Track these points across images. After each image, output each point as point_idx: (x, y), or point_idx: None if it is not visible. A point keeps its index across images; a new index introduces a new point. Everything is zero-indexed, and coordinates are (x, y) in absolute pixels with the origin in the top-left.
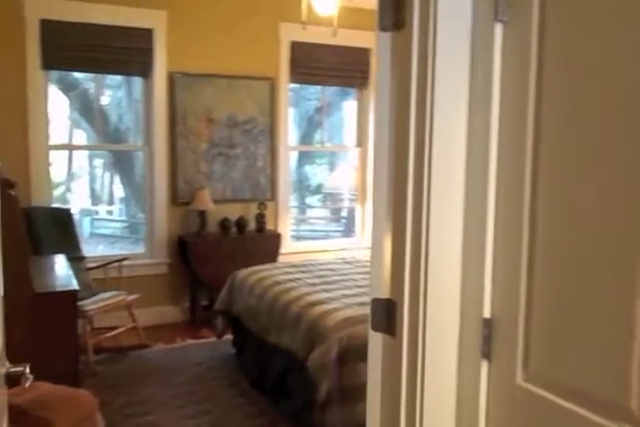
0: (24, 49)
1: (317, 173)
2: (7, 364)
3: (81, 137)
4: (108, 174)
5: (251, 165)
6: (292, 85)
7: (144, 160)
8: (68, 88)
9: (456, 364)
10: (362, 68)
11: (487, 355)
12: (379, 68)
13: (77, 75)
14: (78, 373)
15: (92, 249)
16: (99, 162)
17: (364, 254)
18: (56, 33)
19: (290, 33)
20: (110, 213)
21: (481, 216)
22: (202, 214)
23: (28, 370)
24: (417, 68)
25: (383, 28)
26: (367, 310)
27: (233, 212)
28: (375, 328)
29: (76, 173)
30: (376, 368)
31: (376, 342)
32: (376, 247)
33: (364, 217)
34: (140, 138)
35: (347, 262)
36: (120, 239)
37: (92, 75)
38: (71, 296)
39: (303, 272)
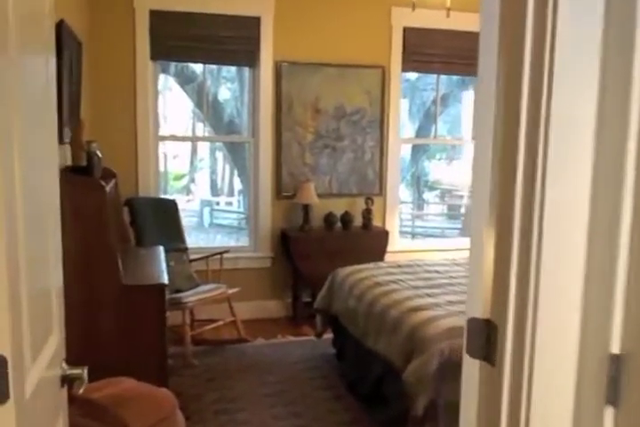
0: (134, 40)
1: (435, 169)
2: (65, 366)
3: (202, 129)
4: (227, 166)
5: (358, 158)
6: (408, 76)
7: (250, 152)
8: (185, 81)
9: (572, 409)
10: None
11: (613, 401)
12: (482, 34)
13: (194, 68)
14: (166, 366)
15: (210, 239)
16: (219, 154)
17: None
18: (164, 23)
19: (402, 18)
20: (230, 204)
21: (612, 222)
22: (306, 208)
23: (85, 374)
24: (533, 29)
25: None
26: None
27: (338, 206)
28: (471, 353)
29: (198, 165)
30: (471, 401)
31: (472, 369)
32: (475, 256)
33: None
34: (248, 129)
35: (456, 264)
36: (237, 230)
37: (208, 68)
38: (159, 290)
39: (407, 273)
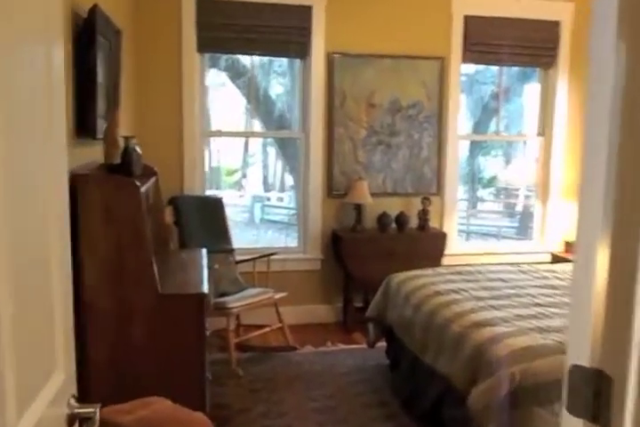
0: (179, 31)
1: (491, 165)
2: (74, 403)
3: (253, 124)
4: (279, 162)
5: (414, 156)
6: (466, 70)
7: (300, 148)
8: (236, 76)
9: None
10: (549, 45)
11: None
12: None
13: (245, 62)
14: (204, 382)
15: (261, 235)
16: (270, 150)
17: (543, 262)
18: (211, 13)
19: (463, 5)
20: (281, 199)
21: None
22: (358, 208)
23: (97, 413)
24: None
25: None
26: (548, 340)
27: (392, 207)
28: (573, 411)
29: (250, 160)
30: None
31: None
32: (580, 282)
33: (545, 217)
34: (298, 125)
35: (522, 271)
36: (288, 226)
37: (259, 62)
38: (198, 300)
39: (469, 281)
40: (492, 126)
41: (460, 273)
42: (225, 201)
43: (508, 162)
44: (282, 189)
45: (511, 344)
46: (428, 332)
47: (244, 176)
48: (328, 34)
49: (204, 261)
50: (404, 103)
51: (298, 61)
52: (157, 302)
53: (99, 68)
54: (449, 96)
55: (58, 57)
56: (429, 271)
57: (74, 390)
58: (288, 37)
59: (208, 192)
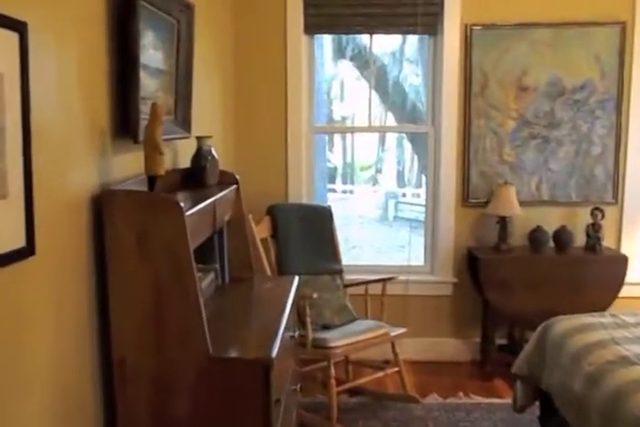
0: (284, 9)
1: None
2: None
3: (387, 118)
4: (416, 157)
5: (582, 153)
6: None
7: (429, 144)
8: (363, 66)
9: None
10: None
11: None
12: None
13: (373, 51)
14: None
15: (393, 231)
16: (407, 145)
17: None
18: None
19: None
20: (417, 196)
21: None
22: (503, 221)
23: None
24: None
25: None
26: None
27: (550, 220)
28: None
29: (383, 156)
30: None
31: None
32: None
33: None
34: (428, 116)
35: None
36: (422, 224)
37: (389, 50)
38: (261, 368)
39: None
40: None
41: None
42: (358, 197)
43: None
44: (418, 185)
45: None
46: (613, 422)
47: (379, 171)
48: (465, 1)
49: (290, 298)
50: (569, 85)
51: (427, 40)
52: (207, 367)
53: (142, 46)
54: (632, 73)
55: None
56: (608, 319)
57: None
58: (415, 9)
59: (343, 187)
